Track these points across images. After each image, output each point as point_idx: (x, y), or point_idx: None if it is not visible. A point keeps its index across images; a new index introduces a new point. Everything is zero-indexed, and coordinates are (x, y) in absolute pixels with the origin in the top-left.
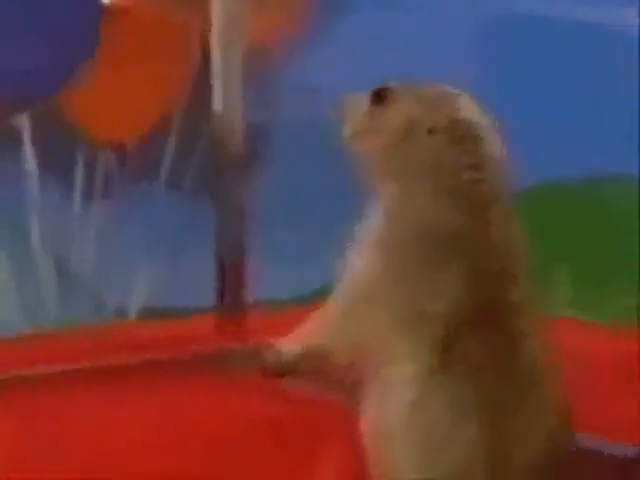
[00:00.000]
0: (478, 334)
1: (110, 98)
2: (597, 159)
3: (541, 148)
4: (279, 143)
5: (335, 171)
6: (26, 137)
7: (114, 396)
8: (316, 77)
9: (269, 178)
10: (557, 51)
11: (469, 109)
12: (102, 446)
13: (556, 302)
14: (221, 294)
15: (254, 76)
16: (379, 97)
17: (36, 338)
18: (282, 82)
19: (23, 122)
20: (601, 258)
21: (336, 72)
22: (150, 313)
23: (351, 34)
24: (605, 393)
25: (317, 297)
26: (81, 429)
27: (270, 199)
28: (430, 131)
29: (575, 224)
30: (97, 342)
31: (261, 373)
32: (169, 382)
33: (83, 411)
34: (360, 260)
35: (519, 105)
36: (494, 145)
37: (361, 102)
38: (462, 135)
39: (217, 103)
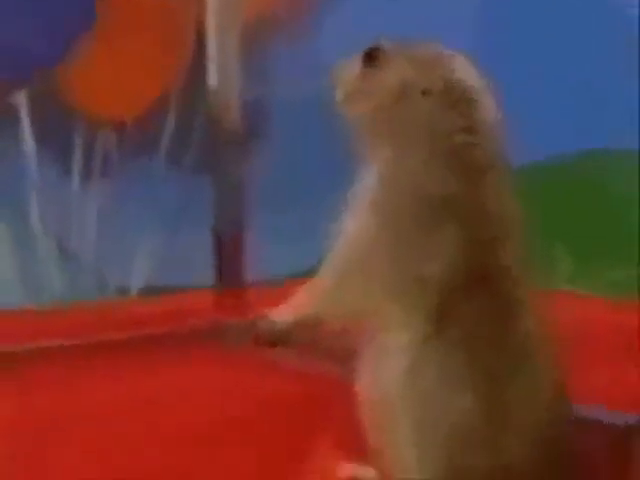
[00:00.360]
0: (472, 300)
1: (108, 76)
2: (593, 134)
3: (539, 125)
4: (278, 120)
5: (334, 147)
6: (24, 116)
7: (114, 370)
8: (318, 53)
9: (268, 155)
10: (554, 26)
11: (465, 71)
12: (103, 419)
13: (556, 277)
14: (219, 269)
15: (252, 52)
16: (371, 58)
17: (37, 314)
18: (282, 58)
19: (21, 101)
20: (599, 232)
21: (338, 47)
22: (151, 290)
23: (351, 10)
24: (605, 364)
25: (316, 273)
26: (83, 402)
27: (269, 176)
28: (424, 93)
29: (573, 199)
30: (98, 318)
31: (254, 342)
32: (168, 356)
33: (85, 384)
34: (353, 223)
35: (516, 82)
36: (489, 109)
37: (353, 65)
38: (457, 97)
39: (212, 79)
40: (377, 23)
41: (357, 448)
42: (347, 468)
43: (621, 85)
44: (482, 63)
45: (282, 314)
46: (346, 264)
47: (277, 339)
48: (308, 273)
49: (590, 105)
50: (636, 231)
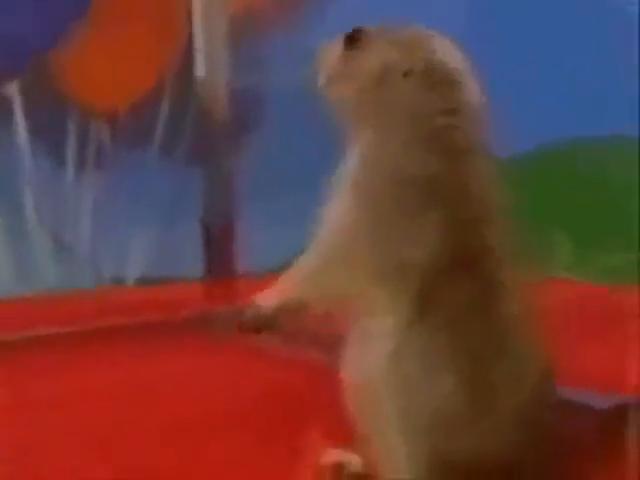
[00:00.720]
0: (456, 284)
1: (102, 66)
2: (592, 121)
3: (538, 112)
4: (270, 109)
5: (325, 137)
6: (17, 107)
7: (107, 358)
8: (309, 40)
9: (259, 145)
10: (554, 21)
11: (446, 52)
12: (97, 406)
13: (553, 264)
14: (208, 260)
15: (243, 42)
16: (352, 40)
17: (32, 303)
18: (274, 46)
19: (14, 91)
20: (597, 219)
21: (330, 37)
22: (145, 281)
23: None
24: (595, 347)
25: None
26: (76, 389)
27: (260, 166)
28: (405, 74)
29: (571, 186)
30: (91, 307)
31: (239, 329)
32: (159, 345)
33: (77, 372)
34: (335, 206)
35: (518, 73)
36: (472, 91)
37: (335, 48)
38: (438, 79)
39: (200, 70)
40: (370, 13)
41: (343, 435)
42: (332, 454)
43: (619, 77)
44: (483, 59)
45: (267, 299)
46: (329, 248)
47: (262, 324)
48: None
49: (589, 93)
50: (634, 218)
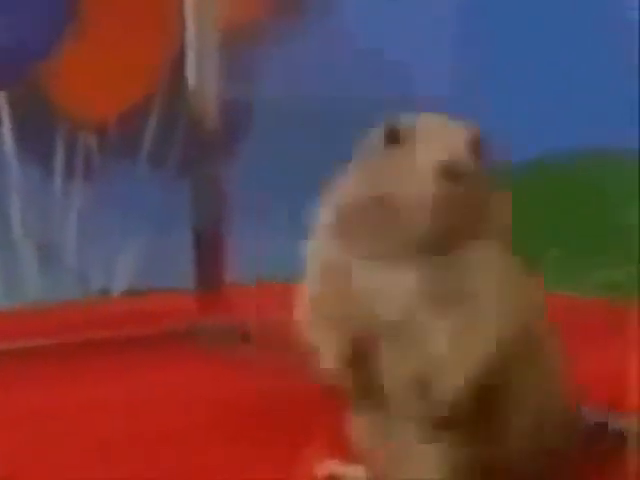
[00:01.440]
0: None
1: (91, 76)
2: (587, 132)
3: (533, 123)
4: (261, 119)
5: (315, 146)
6: (5, 116)
7: (94, 370)
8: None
9: (251, 155)
10: (555, 26)
11: None
12: (83, 419)
13: (549, 277)
14: (198, 270)
15: (236, 54)
16: None
17: (18, 314)
18: (265, 57)
19: (2, 102)
20: (593, 231)
21: (321, 50)
22: (133, 292)
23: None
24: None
25: (296, 278)
26: (62, 402)
27: (251, 176)
28: None
29: (566, 198)
30: (78, 318)
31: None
32: (148, 357)
33: (64, 384)
34: None
35: (509, 83)
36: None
37: None
38: None
39: (191, 80)
40: (362, 26)
41: (341, 446)
42: (327, 466)
43: (620, 85)
44: (484, 63)
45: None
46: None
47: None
48: (288, 274)
49: (587, 103)
50: (634, 230)
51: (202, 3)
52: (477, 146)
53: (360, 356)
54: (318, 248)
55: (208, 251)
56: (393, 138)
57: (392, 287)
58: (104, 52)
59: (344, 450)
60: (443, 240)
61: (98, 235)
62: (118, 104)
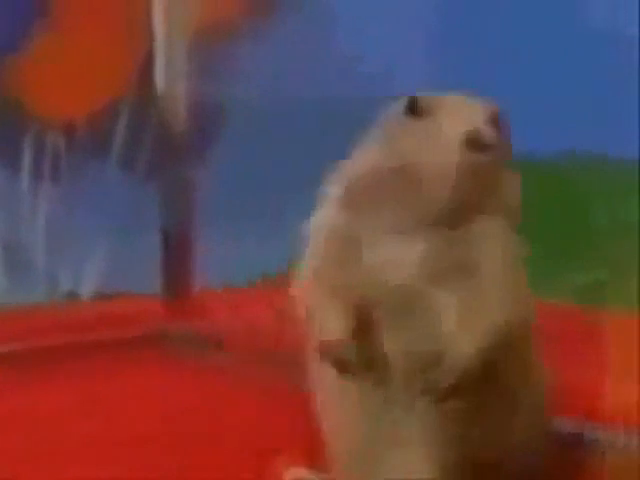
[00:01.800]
0: None
1: (59, 73)
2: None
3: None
4: (232, 121)
5: (288, 150)
6: None
7: (60, 375)
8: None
9: (221, 158)
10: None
11: None
12: (50, 423)
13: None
14: (166, 275)
15: (204, 52)
16: None
17: None
18: (236, 58)
19: None
20: (564, 236)
21: (294, 50)
22: (101, 295)
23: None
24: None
25: (265, 283)
26: (29, 406)
27: (222, 180)
28: None
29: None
30: (45, 322)
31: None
32: (114, 361)
33: (31, 389)
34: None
35: (498, 82)
36: None
37: None
38: None
39: (160, 81)
40: (338, 24)
41: (309, 453)
42: (294, 473)
43: (618, 101)
44: (483, 66)
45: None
46: None
47: None
48: (259, 278)
49: (582, 111)
50: (604, 235)
51: (171, 5)
52: (496, 122)
53: (364, 328)
54: (324, 219)
55: (176, 255)
56: (415, 110)
57: (401, 257)
58: (74, 51)
59: (314, 457)
60: (458, 212)
61: (66, 237)
62: (87, 104)
